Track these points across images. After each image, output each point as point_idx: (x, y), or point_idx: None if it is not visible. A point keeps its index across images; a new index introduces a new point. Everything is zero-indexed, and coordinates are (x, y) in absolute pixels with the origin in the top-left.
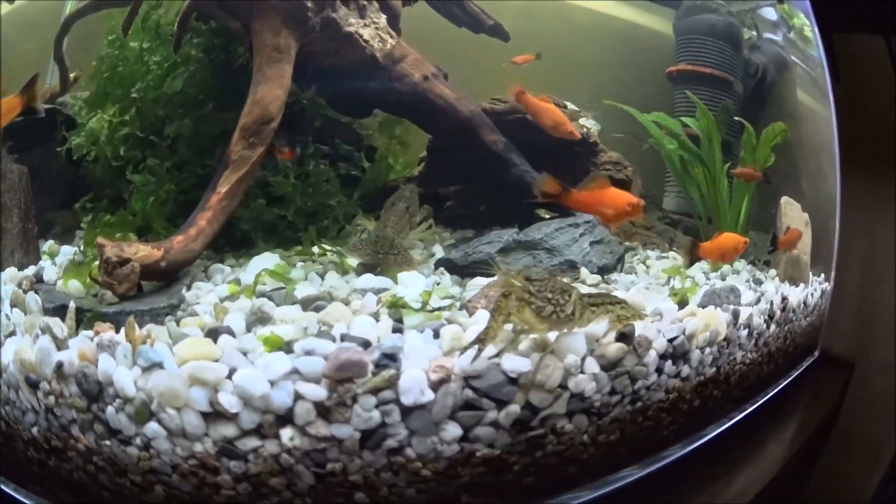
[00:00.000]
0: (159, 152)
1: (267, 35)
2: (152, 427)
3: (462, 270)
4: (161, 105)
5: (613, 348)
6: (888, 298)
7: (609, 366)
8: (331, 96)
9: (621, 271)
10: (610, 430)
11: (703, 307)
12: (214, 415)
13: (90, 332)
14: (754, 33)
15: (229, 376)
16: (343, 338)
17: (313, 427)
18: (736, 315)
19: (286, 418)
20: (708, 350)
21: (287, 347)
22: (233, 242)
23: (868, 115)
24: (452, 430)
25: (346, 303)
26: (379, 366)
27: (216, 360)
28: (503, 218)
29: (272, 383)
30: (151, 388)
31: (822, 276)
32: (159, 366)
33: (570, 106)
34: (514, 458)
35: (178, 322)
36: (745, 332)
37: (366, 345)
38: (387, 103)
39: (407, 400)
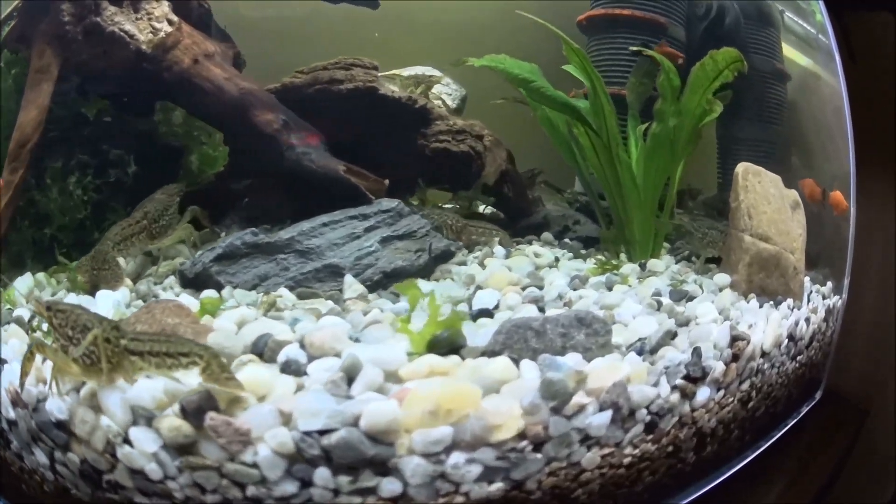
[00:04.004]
0: None
1: (34, 60)
2: None
3: (193, 283)
4: None
5: (167, 425)
6: None
7: (178, 448)
8: (110, 99)
9: (429, 277)
10: None
11: (494, 355)
12: None
13: None
14: None
15: None
16: None
17: None
18: (554, 390)
19: None
20: (459, 457)
21: None
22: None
23: (891, 97)
24: (40, 454)
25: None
26: None
27: None
28: (303, 212)
29: None
30: None
31: (829, 284)
32: None
33: (432, 72)
34: None
35: None
36: (599, 418)
37: None
38: (162, 95)
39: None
